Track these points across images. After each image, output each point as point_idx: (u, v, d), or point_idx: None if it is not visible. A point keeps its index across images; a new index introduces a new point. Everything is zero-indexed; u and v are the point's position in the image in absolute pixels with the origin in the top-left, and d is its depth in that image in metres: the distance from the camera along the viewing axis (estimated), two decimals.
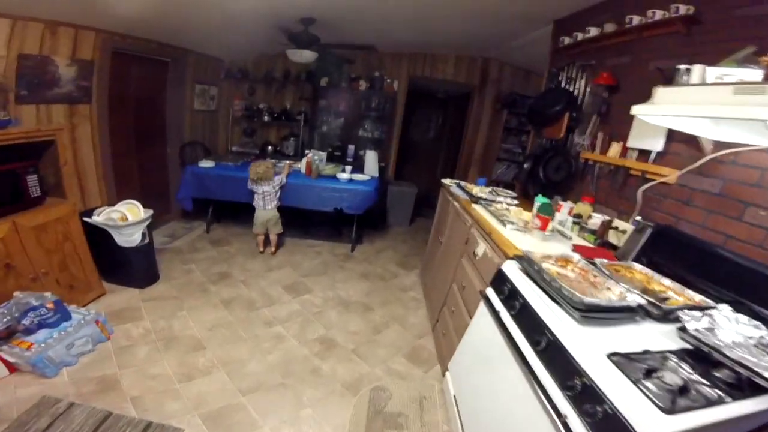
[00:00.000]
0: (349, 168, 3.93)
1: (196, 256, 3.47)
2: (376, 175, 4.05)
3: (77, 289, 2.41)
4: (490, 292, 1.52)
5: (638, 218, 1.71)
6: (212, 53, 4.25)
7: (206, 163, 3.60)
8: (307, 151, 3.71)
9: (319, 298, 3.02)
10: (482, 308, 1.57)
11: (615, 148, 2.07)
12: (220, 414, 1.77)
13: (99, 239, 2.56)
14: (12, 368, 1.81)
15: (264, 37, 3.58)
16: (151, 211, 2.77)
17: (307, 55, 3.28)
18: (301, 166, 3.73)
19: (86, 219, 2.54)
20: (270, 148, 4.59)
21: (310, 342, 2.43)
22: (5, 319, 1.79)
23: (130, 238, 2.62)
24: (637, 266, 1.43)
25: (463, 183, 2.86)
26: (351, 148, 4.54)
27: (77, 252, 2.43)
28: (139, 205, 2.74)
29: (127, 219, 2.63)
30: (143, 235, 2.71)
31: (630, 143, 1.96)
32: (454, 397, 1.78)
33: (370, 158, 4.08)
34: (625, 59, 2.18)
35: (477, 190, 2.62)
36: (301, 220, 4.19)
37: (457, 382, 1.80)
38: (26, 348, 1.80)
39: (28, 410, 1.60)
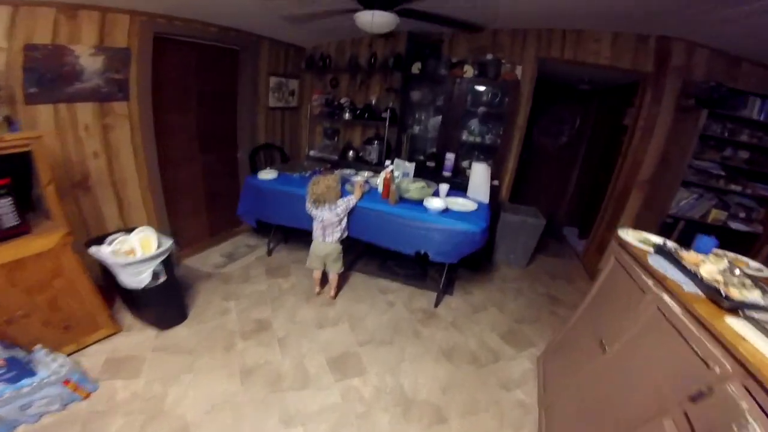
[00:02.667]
0: (444, 188, 2.75)
1: (243, 289, 2.79)
2: (486, 200, 2.77)
3: (76, 329, 1.96)
4: None
5: None
6: (290, 39, 3.58)
7: (266, 174, 2.88)
8: (387, 162, 2.67)
9: (371, 386, 2.00)
10: None
11: None
12: None
13: None
14: None
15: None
16: (169, 243, 2.12)
17: (381, 21, 2.18)
18: (378, 182, 2.72)
19: (91, 251, 2.00)
20: (351, 153, 3.73)
21: None
22: None
23: (136, 278, 1.99)
24: None
25: (673, 246, 1.38)
26: (449, 158, 3.30)
27: (75, 288, 1.90)
28: (154, 235, 2.10)
29: (135, 253, 2.01)
30: (155, 274, 2.06)
31: None
32: None
33: (479, 174, 2.81)
34: None
35: (712, 271, 1.16)
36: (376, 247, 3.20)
37: None
38: None
39: None
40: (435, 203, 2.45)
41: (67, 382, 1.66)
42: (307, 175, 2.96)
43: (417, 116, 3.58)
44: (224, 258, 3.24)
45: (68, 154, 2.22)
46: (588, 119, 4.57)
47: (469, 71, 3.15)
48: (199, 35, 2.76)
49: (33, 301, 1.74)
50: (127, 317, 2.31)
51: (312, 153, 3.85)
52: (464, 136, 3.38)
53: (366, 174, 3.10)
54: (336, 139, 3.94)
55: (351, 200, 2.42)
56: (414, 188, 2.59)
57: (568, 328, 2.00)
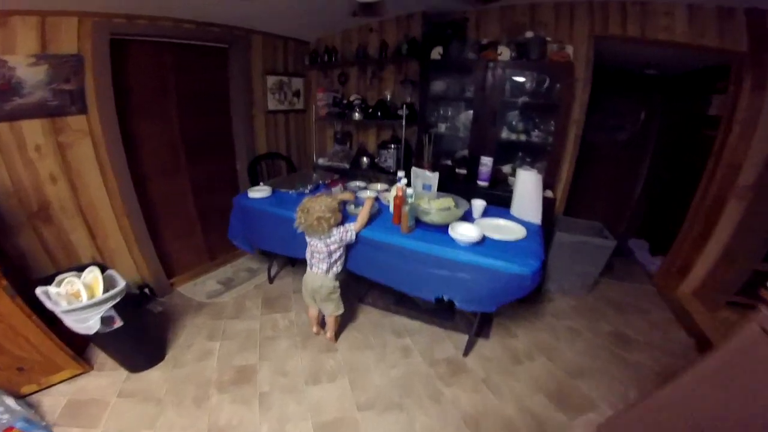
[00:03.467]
0: (479, 206, 2.13)
1: (232, 326, 2.38)
2: (537, 219, 2.11)
3: (32, 371, 1.73)
4: None
5: None
6: (288, 32, 3.10)
7: (257, 192, 2.40)
8: (399, 175, 2.11)
9: None
10: None
11: None
12: None
13: None
14: None
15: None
16: (121, 286, 1.71)
17: None
18: (389, 199, 2.16)
19: (37, 292, 1.62)
20: (366, 159, 3.20)
21: None
22: None
23: (82, 325, 1.62)
24: None
25: None
26: (485, 162, 2.60)
27: (18, 332, 1.60)
28: (101, 276, 1.70)
29: (80, 297, 1.62)
30: (106, 319, 1.66)
31: None
32: None
33: (527, 185, 2.13)
34: None
35: None
36: None
37: None
38: None
39: None
40: (465, 231, 1.85)
41: (9, 429, 1.42)
42: (308, 191, 2.47)
43: (441, 112, 2.95)
44: (221, 285, 2.85)
45: (19, 181, 1.89)
46: (655, 110, 3.70)
47: (504, 53, 2.48)
48: (172, 34, 2.35)
49: None
50: (100, 353, 1.99)
51: (321, 161, 3.36)
52: (504, 134, 2.68)
53: (379, 187, 2.56)
54: (348, 143, 3.42)
55: (350, 231, 1.87)
56: (436, 209, 1.98)
57: (647, 399, 1.38)
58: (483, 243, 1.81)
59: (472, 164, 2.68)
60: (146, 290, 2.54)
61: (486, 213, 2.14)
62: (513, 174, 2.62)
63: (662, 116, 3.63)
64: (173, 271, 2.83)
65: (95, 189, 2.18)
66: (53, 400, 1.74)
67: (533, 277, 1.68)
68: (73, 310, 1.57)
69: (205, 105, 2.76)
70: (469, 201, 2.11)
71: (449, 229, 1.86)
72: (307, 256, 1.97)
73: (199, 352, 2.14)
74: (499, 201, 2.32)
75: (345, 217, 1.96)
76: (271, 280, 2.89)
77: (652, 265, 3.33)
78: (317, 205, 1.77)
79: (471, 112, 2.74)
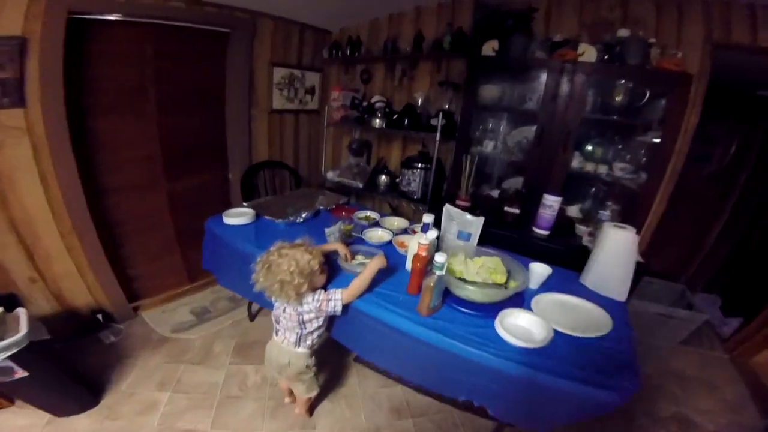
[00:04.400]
0: (540, 273, 1.44)
1: (191, 374, 1.88)
2: (623, 296, 1.43)
3: None
4: None
5: None
6: (305, 18, 2.54)
7: (234, 217, 1.82)
8: (425, 221, 1.48)
9: None
10: None
11: None
12: None
13: None
14: None
15: None
16: (17, 336, 1.26)
17: None
18: (408, 259, 1.51)
19: None
20: (384, 178, 2.58)
21: None
22: None
23: None
24: None
25: None
26: (550, 202, 1.86)
27: None
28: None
29: None
30: (4, 371, 1.28)
31: None
32: None
33: (618, 249, 1.42)
34: None
35: None
36: None
37: None
38: None
39: None
40: (522, 323, 1.21)
41: None
42: (301, 219, 1.88)
43: (490, 125, 2.26)
44: (192, 316, 2.34)
45: None
46: (755, 140, 2.87)
47: (589, 53, 1.78)
48: (155, 14, 1.85)
49: None
50: None
51: (330, 176, 2.76)
52: (576, 163, 1.97)
53: (396, 224, 1.90)
54: (365, 156, 2.81)
55: (335, 300, 1.26)
56: (473, 278, 1.33)
57: None
58: (548, 342, 1.15)
59: (529, 202, 1.99)
60: (99, 316, 2.08)
61: (549, 283, 1.47)
62: (583, 220, 1.93)
63: (763, 148, 2.81)
64: (141, 293, 2.36)
65: (33, 201, 1.70)
66: None
67: (623, 399, 1.02)
68: None
69: (193, 102, 2.24)
70: (525, 268, 1.43)
71: (497, 321, 1.20)
72: (272, 317, 1.39)
73: (142, 403, 1.68)
74: (563, 259, 1.64)
75: (334, 270, 1.39)
76: (252, 317, 2.34)
77: (724, 327, 2.56)
78: (286, 263, 1.18)
79: (532, 128, 2.04)
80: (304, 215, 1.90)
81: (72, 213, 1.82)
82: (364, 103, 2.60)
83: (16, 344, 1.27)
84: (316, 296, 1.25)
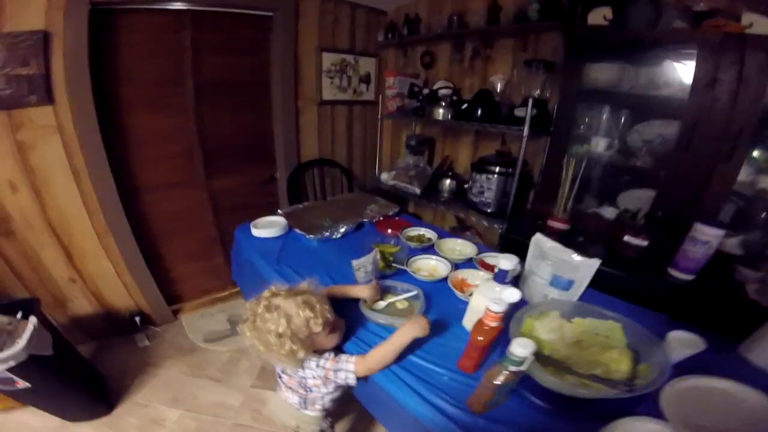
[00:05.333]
0: (683, 346, 0.83)
1: (207, 393, 1.74)
2: None
3: None
4: None
5: None
6: None
7: (264, 228, 1.52)
8: (504, 267, 0.92)
9: None
10: None
11: None
12: None
13: None
14: None
15: None
16: (13, 350, 1.16)
17: None
18: (466, 317, 1.02)
19: None
20: (448, 184, 2.09)
21: None
22: None
23: None
24: None
25: None
26: (705, 235, 1.15)
27: None
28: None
29: None
30: (4, 381, 1.21)
31: None
32: None
33: None
34: None
35: None
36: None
37: None
38: None
39: None
40: None
41: None
42: (340, 234, 1.51)
43: (603, 118, 1.60)
44: (227, 325, 2.18)
45: None
46: None
47: (760, 24, 1.07)
48: None
49: None
50: None
51: (384, 178, 2.35)
52: (744, 176, 1.26)
53: (458, 248, 1.41)
54: (426, 155, 2.33)
55: (344, 372, 0.86)
56: (572, 360, 0.82)
57: None
58: None
59: (665, 230, 1.33)
60: (136, 319, 2.02)
61: (694, 359, 0.86)
62: (749, 262, 1.23)
63: None
64: (182, 296, 2.28)
65: (67, 200, 1.63)
66: None
67: None
68: None
69: (235, 93, 2.02)
70: (660, 339, 0.85)
71: None
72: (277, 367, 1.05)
73: (149, 418, 1.58)
74: (712, 318, 0.99)
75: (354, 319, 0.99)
76: None
77: None
78: (273, 321, 0.81)
79: (670, 123, 1.38)
80: (342, 229, 1.53)
81: (106, 212, 1.73)
82: (425, 91, 2.12)
83: (13, 358, 1.16)
84: (321, 362, 0.87)
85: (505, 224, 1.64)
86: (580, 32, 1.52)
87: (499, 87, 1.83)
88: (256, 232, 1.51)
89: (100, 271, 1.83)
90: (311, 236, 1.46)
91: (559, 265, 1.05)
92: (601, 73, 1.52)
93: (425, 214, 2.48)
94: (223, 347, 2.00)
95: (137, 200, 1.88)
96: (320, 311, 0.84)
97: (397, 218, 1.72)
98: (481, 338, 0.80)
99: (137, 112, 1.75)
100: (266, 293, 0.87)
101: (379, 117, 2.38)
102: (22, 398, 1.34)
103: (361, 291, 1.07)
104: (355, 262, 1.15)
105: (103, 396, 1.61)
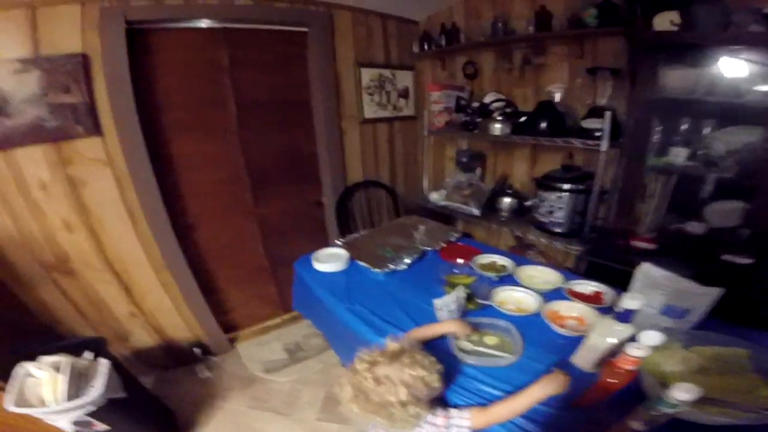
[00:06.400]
0: None
1: (271, 427, 1.67)
2: None
3: None
4: None
5: None
6: (388, 9, 2.09)
7: (324, 262, 1.47)
8: (627, 307, 0.83)
9: None
10: None
11: None
12: None
13: None
14: None
15: None
16: (92, 396, 1.14)
17: None
18: (589, 338, 0.96)
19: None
20: (509, 202, 1.97)
21: None
22: None
23: (57, 425, 1.16)
24: None
25: None
26: None
27: None
28: (63, 380, 1.11)
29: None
30: (81, 423, 1.17)
31: None
32: None
33: None
34: None
35: None
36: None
37: None
38: None
39: None
40: None
41: None
42: (404, 267, 1.44)
43: (676, 129, 1.46)
44: (285, 354, 2.13)
45: (28, 232, 1.42)
46: None
47: None
48: (221, 15, 1.61)
49: None
50: None
51: (435, 198, 2.26)
52: None
53: (540, 275, 1.31)
54: (478, 171, 2.24)
55: (457, 427, 0.78)
56: (705, 386, 0.69)
57: None
58: None
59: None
60: (196, 350, 2.00)
61: None
62: None
63: None
64: (236, 324, 2.26)
65: (123, 238, 1.62)
66: None
67: None
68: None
69: (278, 115, 1.99)
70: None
71: None
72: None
73: None
74: None
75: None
76: (344, 363, 2.02)
77: None
78: (389, 391, 0.74)
79: (754, 130, 1.26)
80: (407, 261, 1.46)
81: (162, 248, 1.72)
82: (474, 104, 2.03)
83: (93, 403, 1.16)
84: (429, 417, 0.79)
85: (582, 246, 1.53)
86: (647, 38, 1.41)
87: (557, 97, 1.73)
88: (319, 267, 1.46)
89: (158, 304, 1.82)
90: (377, 270, 1.40)
91: (674, 295, 0.96)
92: (675, 80, 1.41)
93: (477, 233, 2.38)
94: (283, 377, 1.94)
95: (189, 231, 1.86)
96: (430, 365, 0.79)
97: (459, 243, 1.64)
98: (615, 381, 0.75)
99: (181, 139, 1.72)
100: (360, 365, 0.79)
101: (426, 133, 2.30)
102: None
103: (450, 326, 1.01)
104: (437, 302, 1.08)
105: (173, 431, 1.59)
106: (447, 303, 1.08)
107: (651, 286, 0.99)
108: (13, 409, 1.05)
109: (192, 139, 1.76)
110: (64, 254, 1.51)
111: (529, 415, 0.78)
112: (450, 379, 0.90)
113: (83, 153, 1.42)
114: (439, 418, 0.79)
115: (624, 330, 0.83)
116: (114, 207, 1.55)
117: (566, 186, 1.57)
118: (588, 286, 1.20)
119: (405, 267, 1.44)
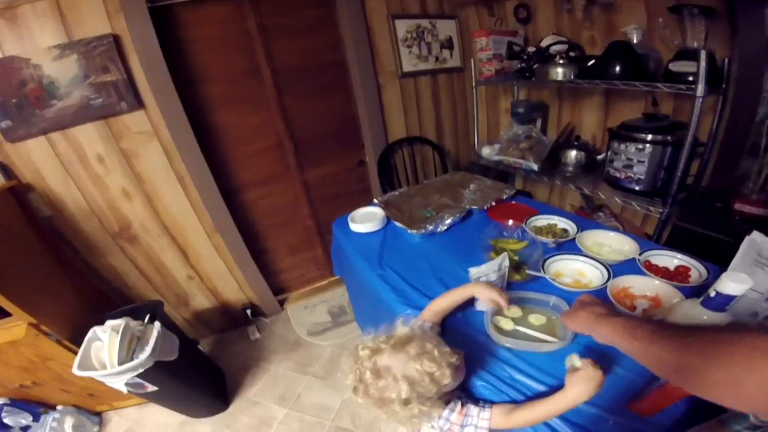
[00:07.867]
0: None
1: (311, 391, 1.75)
2: None
3: (104, 396, 1.62)
4: None
5: None
6: None
7: (360, 222, 1.40)
8: (728, 292, 0.58)
9: None
10: None
11: None
12: None
13: None
14: None
15: None
16: (140, 359, 1.23)
17: None
18: None
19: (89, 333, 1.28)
20: (575, 156, 1.69)
21: None
22: None
23: (114, 386, 1.28)
24: None
25: None
26: None
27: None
28: (118, 342, 1.22)
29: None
30: (133, 385, 1.28)
31: None
32: None
33: None
34: None
35: None
36: None
37: None
38: None
39: None
40: None
41: None
42: (444, 227, 1.32)
43: None
44: (329, 318, 2.18)
45: (93, 200, 1.56)
46: None
47: None
48: None
49: (36, 376, 1.43)
50: None
51: (487, 152, 2.03)
52: None
53: (611, 244, 1.11)
54: (538, 124, 1.96)
55: (475, 428, 0.68)
56: None
57: None
58: None
59: None
60: (248, 311, 2.13)
61: None
62: None
63: None
64: (286, 286, 2.36)
65: (176, 204, 1.72)
66: (117, 424, 1.68)
67: None
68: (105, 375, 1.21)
69: (314, 78, 1.90)
70: None
71: None
72: None
73: (259, 418, 1.63)
74: None
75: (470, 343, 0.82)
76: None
77: None
78: (391, 387, 0.63)
79: None
80: (447, 221, 1.33)
81: (212, 213, 1.79)
82: (530, 49, 1.73)
83: (141, 365, 1.24)
84: (445, 413, 0.69)
85: (667, 207, 1.26)
86: None
87: (635, 38, 1.38)
88: (354, 227, 1.39)
89: (213, 267, 1.94)
90: (413, 231, 1.29)
91: None
92: None
93: (538, 192, 2.14)
94: (325, 341, 2.00)
95: (237, 198, 1.92)
96: (441, 358, 0.66)
97: (513, 202, 1.46)
98: None
99: (222, 110, 1.74)
100: (362, 353, 0.69)
101: (474, 84, 2.05)
102: (152, 398, 1.44)
103: (472, 290, 0.86)
104: (473, 271, 0.91)
105: (222, 392, 1.71)
106: (485, 272, 0.91)
107: (759, 263, 0.76)
108: (76, 372, 1.18)
109: (233, 111, 1.77)
110: (126, 221, 1.64)
111: (575, 420, 0.64)
112: (477, 362, 0.78)
113: (130, 127, 1.49)
114: (454, 413, 0.69)
115: (715, 321, 0.63)
116: (165, 175, 1.63)
117: (650, 137, 1.27)
118: (672, 259, 0.97)
119: (444, 228, 1.31)
